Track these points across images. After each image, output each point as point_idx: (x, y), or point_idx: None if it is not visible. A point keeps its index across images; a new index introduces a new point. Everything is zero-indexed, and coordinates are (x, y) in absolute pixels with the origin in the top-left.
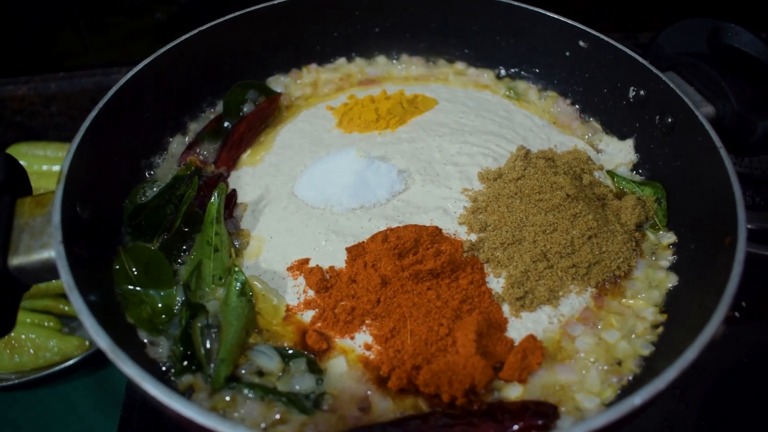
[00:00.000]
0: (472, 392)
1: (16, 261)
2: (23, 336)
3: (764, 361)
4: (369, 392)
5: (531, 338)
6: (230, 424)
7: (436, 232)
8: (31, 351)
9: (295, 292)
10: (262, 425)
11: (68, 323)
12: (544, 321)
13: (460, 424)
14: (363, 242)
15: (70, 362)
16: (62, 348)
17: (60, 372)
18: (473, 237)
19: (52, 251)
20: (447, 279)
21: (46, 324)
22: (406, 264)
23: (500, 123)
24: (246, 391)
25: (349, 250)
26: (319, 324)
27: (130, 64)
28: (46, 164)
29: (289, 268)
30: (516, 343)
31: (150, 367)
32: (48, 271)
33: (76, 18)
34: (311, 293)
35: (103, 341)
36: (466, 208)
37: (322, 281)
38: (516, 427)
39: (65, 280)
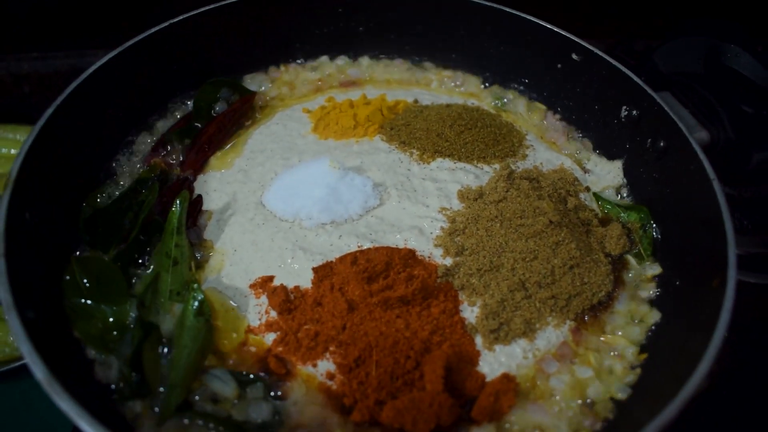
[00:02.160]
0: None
1: None
2: None
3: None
4: (329, 424)
5: (504, 378)
6: None
7: (410, 255)
8: None
9: (256, 312)
10: None
11: None
12: (518, 356)
13: None
14: (331, 262)
15: None
16: None
17: (19, 368)
18: (449, 261)
19: None
20: (418, 307)
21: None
22: (375, 289)
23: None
24: (197, 422)
25: (315, 270)
26: (281, 348)
27: (107, 47)
28: (15, 148)
29: (252, 286)
30: (488, 379)
31: (96, 390)
32: None
33: None
34: (274, 314)
35: (39, 371)
36: (443, 229)
37: (286, 302)
38: None
39: (4, 298)
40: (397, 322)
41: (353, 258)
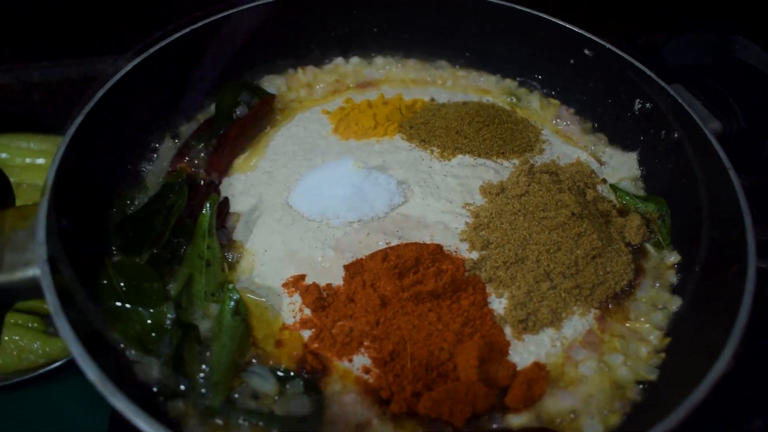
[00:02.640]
0: (473, 420)
1: None
2: (6, 337)
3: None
4: (368, 416)
5: (535, 367)
6: None
7: (438, 250)
8: (15, 353)
9: (290, 310)
10: None
11: (53, 324)
12: (546, 344)
13: None
14: (362, 260)
15: (55, 365)
16: (47, 350)
17: (44, 374)
18: (475, 255)
19: (36, 269)
20: (448, 300)
21: (30, 325)
22: (406, 284)
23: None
24: (241, 417)
25: (347, 267)
26: (316, 345)
27: (117, 53)
28: (29, 157)
29: (285, 285)
30: (519, 368)
31: (139, 391)
32: (32, 289)
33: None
34: (308, 312)
35: (91, 372)
36: (467, 224)
37: (319, 300)
38: None
39: (51, 302)
40: (429, 315)
41: (384, 254)
